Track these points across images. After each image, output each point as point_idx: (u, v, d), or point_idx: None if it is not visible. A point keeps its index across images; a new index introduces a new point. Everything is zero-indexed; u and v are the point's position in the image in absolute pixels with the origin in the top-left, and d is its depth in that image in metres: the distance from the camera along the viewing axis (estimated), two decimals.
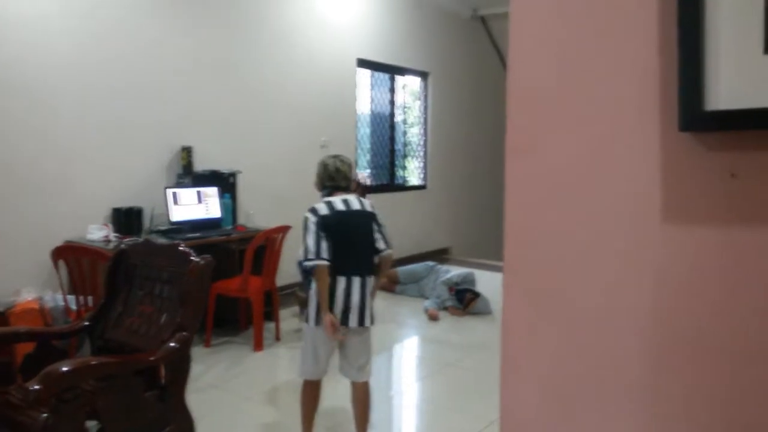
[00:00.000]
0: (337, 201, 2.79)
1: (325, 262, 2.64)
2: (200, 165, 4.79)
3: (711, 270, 0.71)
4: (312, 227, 2.68)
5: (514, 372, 0.91)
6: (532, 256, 0.86)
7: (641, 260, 0.76)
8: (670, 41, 0.71)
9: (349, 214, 2.76)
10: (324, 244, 2.65)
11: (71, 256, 3.65)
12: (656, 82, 0.73)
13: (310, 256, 2.65)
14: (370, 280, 2.76)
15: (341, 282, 2.68)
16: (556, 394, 0.87)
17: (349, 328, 2.71)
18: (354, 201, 2.82)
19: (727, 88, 0.67)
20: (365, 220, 2.79)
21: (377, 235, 2.78)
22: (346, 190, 2.89)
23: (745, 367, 0.70)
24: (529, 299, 0.88)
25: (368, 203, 2.87)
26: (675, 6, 0.70)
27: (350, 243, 2.72)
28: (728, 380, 0.71)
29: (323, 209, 2.76)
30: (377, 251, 2.78)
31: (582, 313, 0.82)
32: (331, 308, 2.66)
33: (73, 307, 3.64)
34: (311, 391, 2.83)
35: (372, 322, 2.76)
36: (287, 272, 5.19)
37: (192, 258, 2.84)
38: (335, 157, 2.97)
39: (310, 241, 2.66)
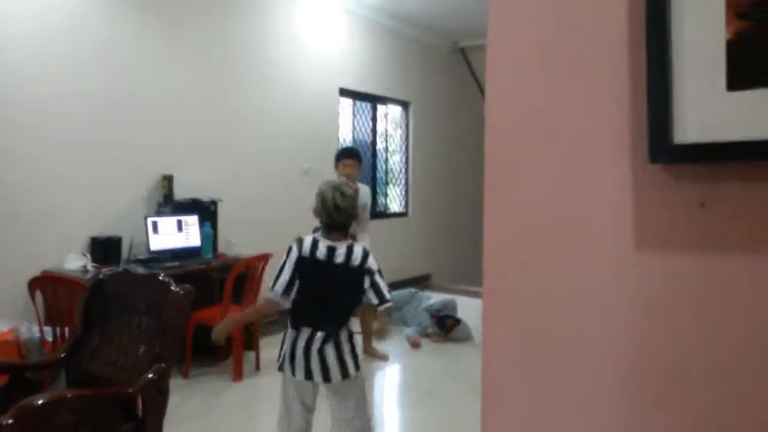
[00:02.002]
0: (322, 247, 2.52)
1: (279, 301, 2.52)
2: (181, 193, 4.77)
3: (685, 297, 0.73)
4: (289, 262, 2.52)
5: (495, 400, 0.92)
6: (510, 286, 0.88)
7: (616, 289, 0.78)
8: (641, 78, 0.74)
9: (327, 267, 2.50)
10: (293, 285, 2.51)
11: (48, 286, 3.60)
12: (627, 117, 0.76)
13: (276, 288, 2.52)
14: (344, 334, 2.54)
15: (303, 334, 2.51)
16: (537, 422, 0.87)
17: (315, 383, 2.53)
18: (341, 252, 2.52)
19: (694, 122, 0.70)
20: (348, 277, 2.52)
21: (369, 292, 2.53)
22: (345, 227, 2.60)
23: (723, 393, 0.71)
24: (508, 328, 0.89)
25: (359, 251, 2.54)
26: (644, 45, 0.73)
27: (319, 297, 2.52)
28: (706, 407, 0.73)
29: (307, 248, 2.54)
30: (361, 304, 2.60)
31: (561, 340, 0.84)
32: (287, 358, 2.52)
33: (49, 338, 3.57)
34: None
35: (345, 376, 2.50)
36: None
37: (172, 288, 2.81)
38: (336, 188, 2.58)
39: (283, 275, 2.52)
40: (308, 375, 2.49)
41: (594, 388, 0.81)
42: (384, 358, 4.61)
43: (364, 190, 4.61)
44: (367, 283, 2.51)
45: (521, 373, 0.88)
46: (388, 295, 2.52)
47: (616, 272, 0.77)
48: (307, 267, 2.51)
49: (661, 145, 0.71)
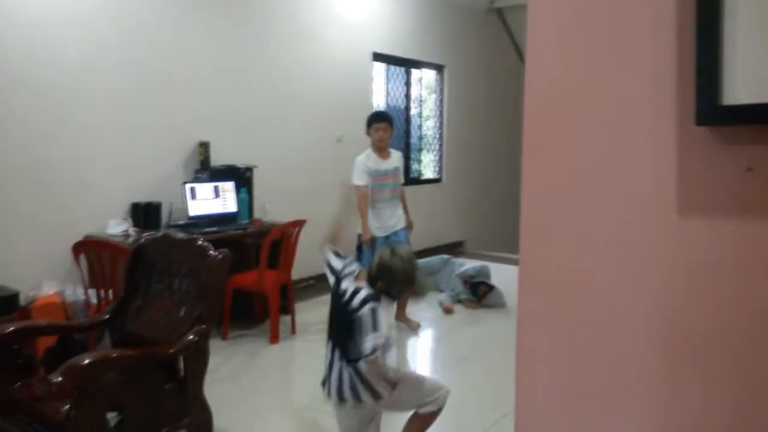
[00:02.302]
0: (350, 285, 2.43)
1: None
2: (217, 160, 4.82)
3: (727, 263, 0.71)
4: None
5: (529, 364, 0.92)
6: (546, 251, 0.87)
7: (657, 253, 0.76)
8: (688, 38, 0.71)
9: (339, 302, 2.42)
10: None
11: (92, 250, 3.71)
12: (673, 78, 0.73)
13: None
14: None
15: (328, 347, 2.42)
16: (570, 383, 0.87)
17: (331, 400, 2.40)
18: (357, 297, 2.36)
19: (744, 83, 0.67)
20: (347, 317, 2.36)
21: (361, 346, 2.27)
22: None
23: (759, 357, 0.70)
24: (544, 294, 0.88)
25: (367, 310, 2.30)
26: (693, 3, 0.70)
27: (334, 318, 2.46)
28: (743, 370, 0.71)
29: (340, 271, 2.51)
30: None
31: (596, 304, 0.83)
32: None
33: (94, 300, 3.70)
34: None
35: (358, 401, 2.31)
36: (303, 266, 5.22)
37: (210, 252, 2.87)
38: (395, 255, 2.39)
39: None
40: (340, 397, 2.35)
41: (629, 351, 0.80)
42: (416, 327, 4.61)
43: (397, 156, 4.59)
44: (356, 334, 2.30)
45: (555, 335, 0.88)
46: (368, 348, 2.21)
47: (657, 236, 0.76)
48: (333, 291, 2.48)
49: (709, 106, 0.68)
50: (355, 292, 2.38)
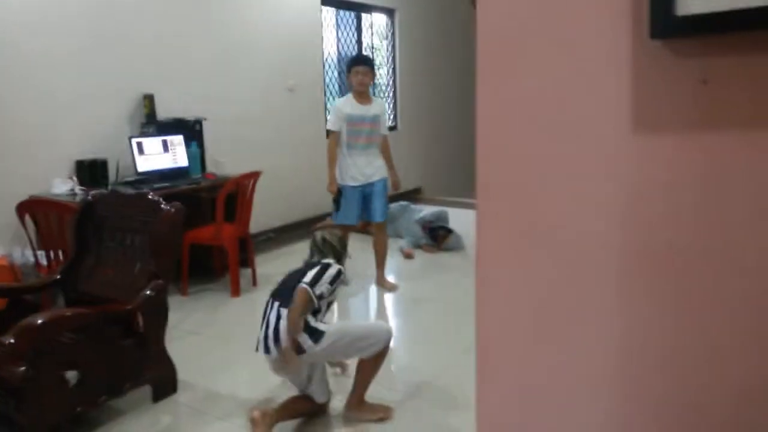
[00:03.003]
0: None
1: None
2: (164, 113, 4.65)
3: (683, 178, 0.71)
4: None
5: (487, 292, 0.92)
6: (503, 177, 0.86)
7: (615, 174, 0.76)
8: None
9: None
10: None
11: (38, 210, 3.57)
12: None
13: None
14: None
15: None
16: (530, 313, 0.88)
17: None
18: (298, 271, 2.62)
19: None
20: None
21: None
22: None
23: (720, 270, 0.71)
24: (502, 221, 0.88)
25: (319, 264, 2.60)
26: None
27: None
28: (704, 285, 0.73)
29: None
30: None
31: (555, 230, 0.83)
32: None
33: (44, 262, 3.58)
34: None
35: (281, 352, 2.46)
36: (261, 220, 5.16)
37: (162, 206, 2.80)
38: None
39: None
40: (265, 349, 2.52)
41: (591, 276, 0.81)
42: (393, 288, 4.52)
43: (379, 103, 4.36)
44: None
45: (514, 263, 0.88)
46: (307, 278, 2.50)
47: (613, 154, 0.76)
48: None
49: (663, 17, 0.67)
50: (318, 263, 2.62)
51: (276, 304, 2.52)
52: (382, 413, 2.65)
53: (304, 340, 2.43)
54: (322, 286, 2.51)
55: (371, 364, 2.61)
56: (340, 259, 2.74)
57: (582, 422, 0.86)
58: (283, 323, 2.44)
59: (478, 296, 0.93)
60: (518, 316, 0.89)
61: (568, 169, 0.80)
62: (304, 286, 2.46)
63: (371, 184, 4.27)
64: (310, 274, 2.52)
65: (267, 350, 2.49)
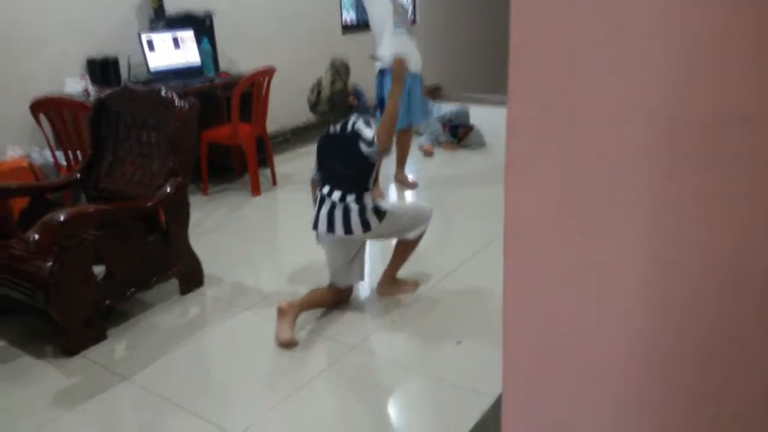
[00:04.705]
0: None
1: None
2: (173, 7, 4.46)
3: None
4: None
5: (519, 175, 0.87)
6: (539, 69, 0.78)
7: (662, 29, 0.68)
8: None
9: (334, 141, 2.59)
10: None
11: (52, 109, 3.51)
12: None
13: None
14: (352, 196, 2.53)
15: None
16: (560, 193, 0.83)
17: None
18: (350, 122, 2.56)
19: None
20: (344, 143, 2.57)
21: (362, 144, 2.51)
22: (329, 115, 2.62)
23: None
24: (534, 99, 0.81)
25: (360, 121, 2.54)
26: None
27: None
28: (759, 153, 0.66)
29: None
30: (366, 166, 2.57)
31: (591, 111, 0.76)
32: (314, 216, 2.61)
33: (63, 162, 3.58)
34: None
35: (349, 232, 2.51)
36: (278, 121, 5.06)
37: (176, 102, 2.73)
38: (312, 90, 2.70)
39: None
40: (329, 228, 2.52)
41: (627, 151, 0.75)
42: (413, 186, 4.45)
43: None
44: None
45: (546, 144, 0.82)
46: (369, 136, 2.47)
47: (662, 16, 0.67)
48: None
49: None
50: (346, 122, 2.55)
51: (337, 194, 2.50)
52: (412, 286, 2.81)
53: (373, 218, 2.50)
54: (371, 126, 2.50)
55: (412, 244, 2.72)
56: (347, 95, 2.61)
57: (615, 300, 0.83)
58: (350, 205, 2.48)
59: (507, 176, 0.88)
60: (547, 195, 0.84)
61: (606, 50, 0.71)
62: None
63: (414, 75, 3.97)
64: (363, 129, 2.47)
65: (331, 228, 2.50)
